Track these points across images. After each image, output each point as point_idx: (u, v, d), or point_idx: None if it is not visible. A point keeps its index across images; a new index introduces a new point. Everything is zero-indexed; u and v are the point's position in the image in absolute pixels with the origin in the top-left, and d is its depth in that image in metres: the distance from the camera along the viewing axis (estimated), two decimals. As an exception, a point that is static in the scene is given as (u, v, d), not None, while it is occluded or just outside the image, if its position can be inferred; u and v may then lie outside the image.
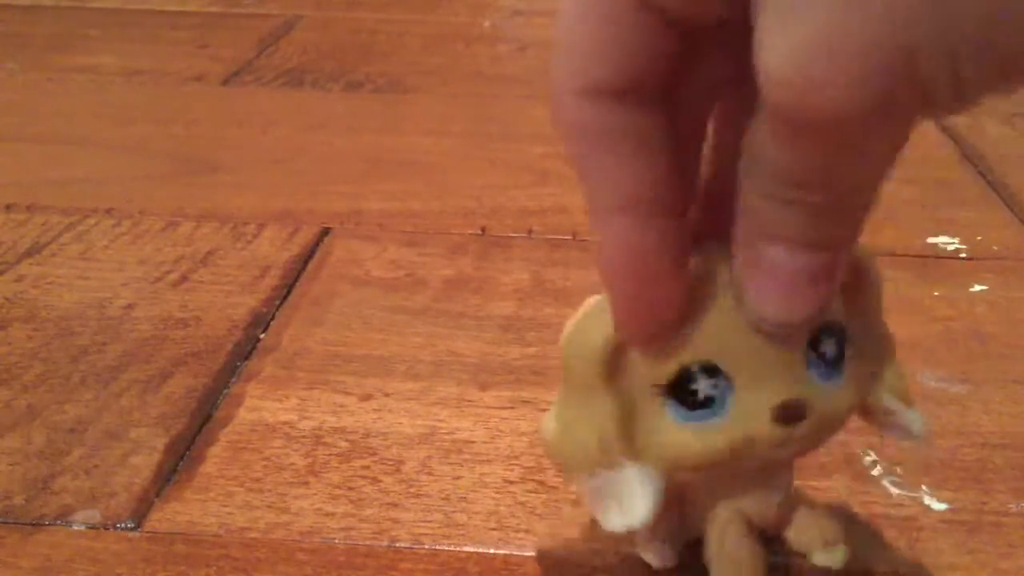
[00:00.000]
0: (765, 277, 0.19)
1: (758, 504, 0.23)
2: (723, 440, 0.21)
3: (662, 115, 0.19)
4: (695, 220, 0.21)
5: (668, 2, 0.18)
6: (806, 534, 0.23)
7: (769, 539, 0.24)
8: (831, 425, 0.22)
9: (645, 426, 0.21)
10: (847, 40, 0.15)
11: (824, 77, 0.15)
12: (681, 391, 0.21)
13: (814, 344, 0.21)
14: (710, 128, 0.21)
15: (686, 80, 0.20)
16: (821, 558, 0.23)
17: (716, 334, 0.20)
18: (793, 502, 0.23)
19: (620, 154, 0.19)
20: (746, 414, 0.20)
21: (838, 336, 0.21)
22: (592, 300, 0.21)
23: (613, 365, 0.21)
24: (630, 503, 0.21)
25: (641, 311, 0.20)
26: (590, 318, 0.21)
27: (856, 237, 0.20)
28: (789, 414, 0.20)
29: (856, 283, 0.22)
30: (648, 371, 0.21)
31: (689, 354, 0.20)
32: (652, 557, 0.25)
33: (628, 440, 0.21)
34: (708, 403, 0.20)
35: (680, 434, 0.21)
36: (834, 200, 0.18)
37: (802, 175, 0.18)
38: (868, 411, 0.23)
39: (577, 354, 0.21)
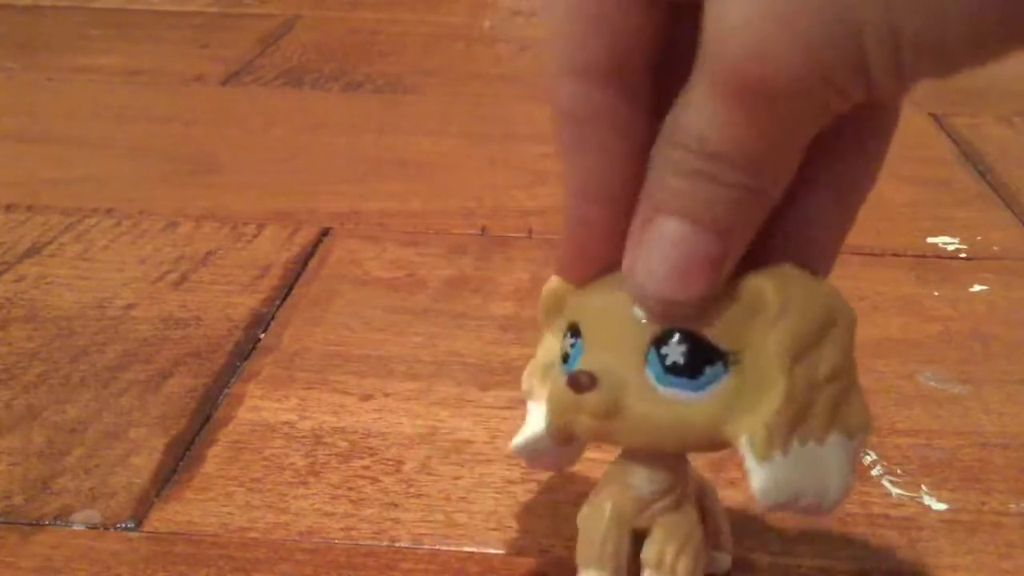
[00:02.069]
0: (658, 250, 0.19)
1: (621, 489, 0.23)
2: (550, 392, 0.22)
3: (644, 97, 0.19)
4: None
5: None
6: (648, 546, 0.23)
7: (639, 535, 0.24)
8: (650, 427, 0.21)
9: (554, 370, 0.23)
10: (800, 10, 0.16)
11: (775, 43, 0.16)
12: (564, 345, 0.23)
13: (659, 343, 0.21)
14: None
15: (674, 57, 0.19)
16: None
17: (589, 305, 0.22)
18: (663, 509, 0.23)
19: (598, 139, 0.19)
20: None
21: (694, 348, 0.20)
22: None
23: (552, 313, 0.24)
24: (522, 430, 0.24)
25: (578, 267, 0.22)
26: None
27: (755, 230, 0.19)
28: (575, 381, 0.21)
29: (773, 317, 0.20)
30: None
31: (573, 315, 0.22)
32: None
33: (541, 378, 0.24)
34: (566, 360, 0.22)
35: (555, 382, 0.22)
36: (748, 179, 0.18)
37: (724, 147, 0.18)
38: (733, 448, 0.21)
39: (540, 299, 0.24)
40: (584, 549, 0.24)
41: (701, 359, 0.20)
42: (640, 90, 0.19)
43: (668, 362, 0.20)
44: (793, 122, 0.18)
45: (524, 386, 0.24)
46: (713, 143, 0.18)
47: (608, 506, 0.23)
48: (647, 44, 0.19)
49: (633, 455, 0.23)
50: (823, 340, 0.20)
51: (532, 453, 0.24)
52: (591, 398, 0.21)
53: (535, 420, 0.23)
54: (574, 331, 0.22)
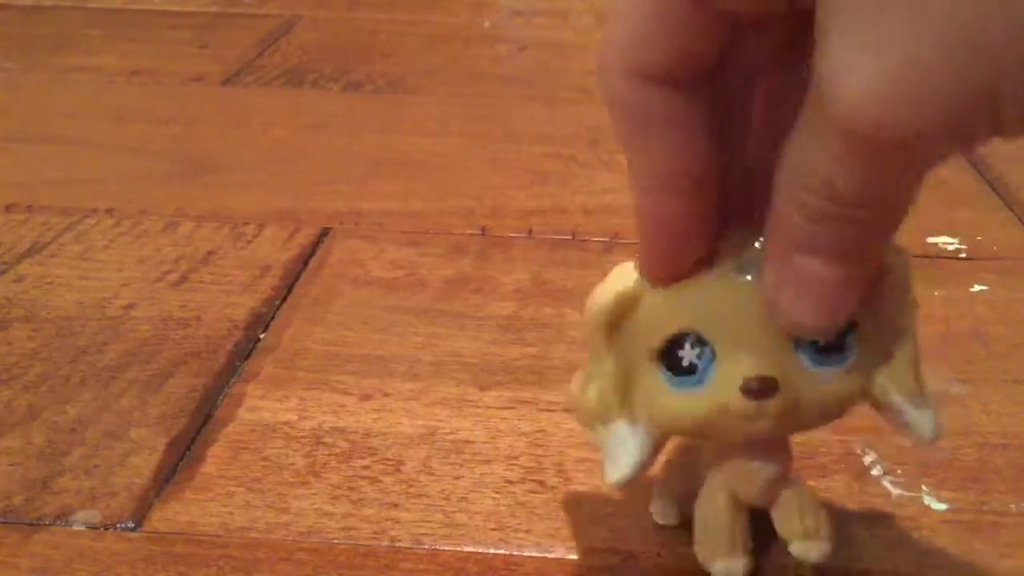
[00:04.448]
0: (800, 288, 0.20)
1: (741, 477, 0.24)
2: (701, 407, 0.22)
3: (704, 99, 0.20)
4: (727, 196, 0.22)
5: (723, 1, 0.19)
6: (788, 521, 0.24)
7: (761, 514, 0.24)
8: (818, 410, 0.22)
9: (641, 387, 0.22)
10: (933, 72, 0.16)
11: (906, 105, 0.16)
12: (670, 357, 0.22)
13: None
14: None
15: (730, 63, 0.20)
16: (797, 548, 0.24)
17: (708, 308, 0.22)
18: (782, 484, 0.24)
19: (659, 135, 0.20)
20: (722, 385, 0.21)
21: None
22: (620, 267, 0.23)
23: (615, 326, 0.22)
24: (619, 458, 0.23)
25: (661, 265, 0.22)
26: (608, 282, 0.23)
27: (884, 249, 0.21)
28: (756, 389, 0.21)
29: (879, 279, 0.22)
30: (646, 335, 0.22)
31: (681, 323, 0.22)
32: (656, 513, 0.27)
33: (623, 398, 0.23)
34: (692, 370, 0.22)
35: (667, 398, 0.22)
36: (877, 216, 0.19)
37: (852, 193, 0.18)
38: (878, 407, 0.23)
39: (590, 313, 0.23)
40: (710, 541, 0.24)
41: (843, 334, 0.22)
42: (700, 91, 0.20)
43: (821, 343, 0.21)
44: (919, 165, 0.18)
45: (596, 411, 0.23)
46: (840, 188, 0.18)
47: (724, 496, 0.24)
48: (709, 52, 0.19)
49: (735, 451, 0.24)
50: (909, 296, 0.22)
51: (634, 478, 0.23)
52: (774, 402, 0.21)
53: (634, 446, 0.23)
54: (696, 339, 0.22)
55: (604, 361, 0.23)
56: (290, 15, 0.76)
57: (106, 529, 0.27)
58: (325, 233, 0.43)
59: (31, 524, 0.27)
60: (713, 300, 0.22)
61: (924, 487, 0.29)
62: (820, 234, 0.19)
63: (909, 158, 0.18)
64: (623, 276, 0.22)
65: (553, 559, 0.26)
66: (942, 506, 0.28)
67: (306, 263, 0.41)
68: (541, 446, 0.30)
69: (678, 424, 0.23)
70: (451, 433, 0.31)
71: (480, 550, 0.27)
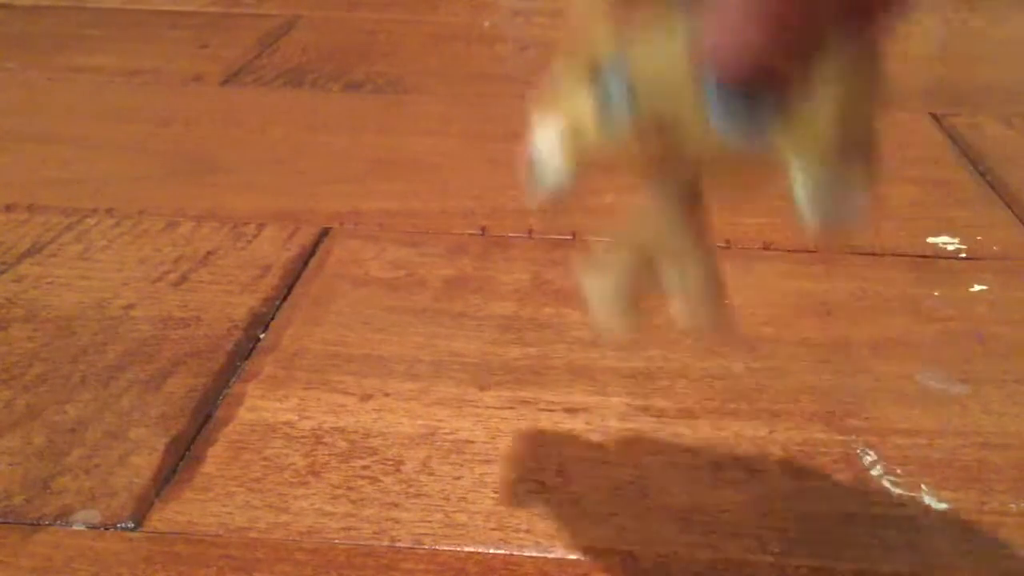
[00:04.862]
0: (727, 18, 0.19)
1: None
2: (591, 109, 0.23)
3: None
4: None
5: None
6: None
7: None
8: (704, 149, 0.22)
9: (578, 100, 0.24)
10: None
11: None
12: (600, 75, 0.23)
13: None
14: None
15: None
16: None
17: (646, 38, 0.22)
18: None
19: None
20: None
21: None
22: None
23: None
24: (545, 168, 0.25)
25: None
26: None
27: None
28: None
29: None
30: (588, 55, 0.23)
31: (611, 46, 0.22)
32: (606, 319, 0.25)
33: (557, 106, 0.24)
34: (607, 89, 0.23)
35: (581, 104, 0.23)
36: None
37: None
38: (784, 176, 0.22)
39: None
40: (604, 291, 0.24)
41: (758, 96, 0.20)
42: None
43: (729, 92, 0.20)
44: None
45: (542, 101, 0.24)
46: None
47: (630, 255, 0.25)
48: None
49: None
50: (864, 86, 0.21)
51: (543, 175, 0.24)
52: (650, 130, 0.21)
53: (552, 139, 0.24)
54: (616, 64, 0.22)
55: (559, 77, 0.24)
56: (290, 15, 0.76)
57: (106, 529, 0.27)
58: (325, 233, 0.43)
59: (31, 524, 0.27)
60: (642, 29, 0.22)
61: (924, 487, 0.29)
62: None
63: None
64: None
65: (553, 559, 0.26)
66: (942, 506, 0.28)
67: (306, 263, 0.41)
68: (541, 446, 0.30)
69: (579, 125, 0.23)
70: (451, 433, 0.31)
71: (480, 550, 0.27)
